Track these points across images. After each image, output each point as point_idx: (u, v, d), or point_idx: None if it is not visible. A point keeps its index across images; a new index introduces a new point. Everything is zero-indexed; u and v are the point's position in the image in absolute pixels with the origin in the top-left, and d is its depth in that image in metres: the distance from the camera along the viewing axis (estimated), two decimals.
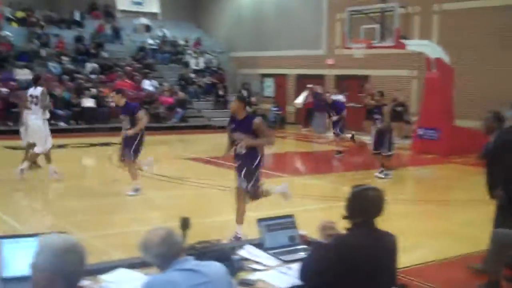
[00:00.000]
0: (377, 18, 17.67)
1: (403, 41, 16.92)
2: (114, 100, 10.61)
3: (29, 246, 2.56)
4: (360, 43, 17.73)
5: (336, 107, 15.92)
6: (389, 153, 12.68)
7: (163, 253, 2.87)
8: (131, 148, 10.02)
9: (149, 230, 2.96)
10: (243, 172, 7.10)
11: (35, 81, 11.59)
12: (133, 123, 9.95)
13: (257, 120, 7.08)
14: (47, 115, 11.47)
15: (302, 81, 23.73)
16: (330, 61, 23.23)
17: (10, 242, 3.29)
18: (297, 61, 24.71)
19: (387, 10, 17.45)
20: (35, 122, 11.07)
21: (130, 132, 9.88)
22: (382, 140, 12.60)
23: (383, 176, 12.47)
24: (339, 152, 16.07)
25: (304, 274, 3.43)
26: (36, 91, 11.14)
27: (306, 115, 23.11)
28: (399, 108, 15.96)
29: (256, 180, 7.14)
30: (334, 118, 15.75)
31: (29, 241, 2.73)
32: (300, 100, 21.35)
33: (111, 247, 6.88)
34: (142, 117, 10.05)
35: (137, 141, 10.06)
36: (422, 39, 18.58)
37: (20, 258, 3.13)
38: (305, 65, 24.30)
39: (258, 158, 7.12)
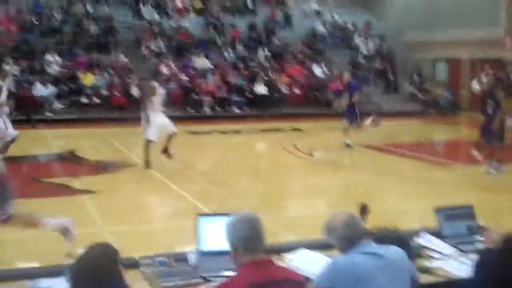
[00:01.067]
0: None
1: None
2: None
3: (223, 223, 2.85)
4: None
5: None
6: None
7: (347, 236, 3.02)
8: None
9: (333, 213, 3.12)
10: None
11: None
12: None
13: None
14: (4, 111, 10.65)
15: (478, 65, 22.52)
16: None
17: (206, 219, 3.66)
18: (472, 44, 23.42)
19: None
20: None
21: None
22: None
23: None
24: None
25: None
26: None
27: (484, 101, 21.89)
28: None
29: None
30: None
31: (223, 218, 3.01)
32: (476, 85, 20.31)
33: (289, 229, 7.19)
34: None
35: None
36: None
37: (215, 234, 3.47)
38: (481, 47, 22.94)
39: None
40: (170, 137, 11.15)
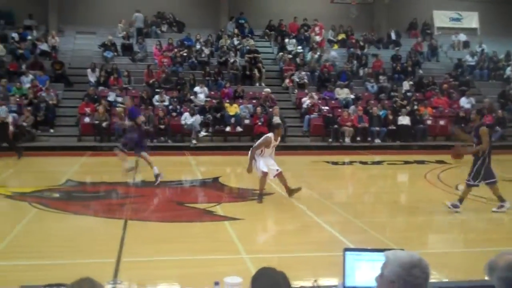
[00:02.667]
0: None
1: None
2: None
3: (371, 259, 2.72)
4: None
5: None
6: None
7: (507, 278, 2.76)
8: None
9: (499, 253, 2.88)
10: None
11: None
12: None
13: None
14: None
15: None
16: None
17: (353, 254, 3.53)
18: None
19: None
20: None
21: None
22: None
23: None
24: None
25: None
26: None
27: None
28: None
29: None
30: None
31: (372, 254, 2.89)
32: None
33: (434, 267, 6.81)
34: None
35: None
36: None
37: (363, 270, 3.33)
38: None
39: None
40: (281, 178, 11.09)
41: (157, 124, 19.69)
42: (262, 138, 11.24)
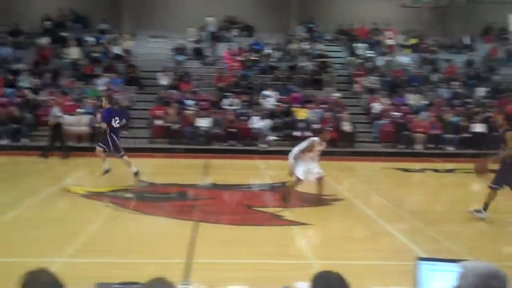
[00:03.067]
0: None
1: None
2: None
3: (446, 269, 2.66)
4: None
5: None
6: None
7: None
8: None
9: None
10: None
11: None
12: None
13: None
14: None
15: None
16: None
17: (427, 264, 3.45)
18: None
19: None
20: None
21: None
22: None
23: None
24: None
25: None
26: None
27: None
28: None
29: None
30: None
31: (447, 265, 2.83)
32: None
33: None
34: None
35: None
36: None
37: (437, 281, 3.26)
38: None
39: None
40: (319, 181, 11.12)
41: (226, 127, 19.90)
42: (307, 141, 11.23)
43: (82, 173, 15.40)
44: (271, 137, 20.07)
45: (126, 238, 8.57)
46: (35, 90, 21.04)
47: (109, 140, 12.97)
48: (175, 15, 26.67)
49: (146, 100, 21.89)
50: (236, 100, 21.44)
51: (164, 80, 22.64)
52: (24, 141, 19.32)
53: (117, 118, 12.98)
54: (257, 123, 20.08)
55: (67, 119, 19.12)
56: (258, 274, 6.82)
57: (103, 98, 13.74)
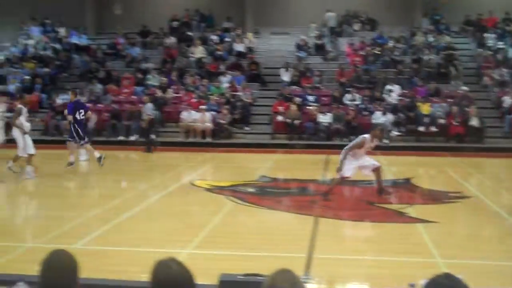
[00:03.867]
0: None
1: None
2: None
3: None
4: None
5: None
6: None
7: None
8: None
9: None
10: None
11: None
12: None
13: None
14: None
15: None
16: None
17: None
18: None
19: None
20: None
21: None
22: None
23: None
24: None
25: None
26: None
27: None
28: None
29: None
30: None
31: None
32: None
33: None
34: None
35: None
36: None
37: None
38: None
39: None
40: (376, 171, 10.98)
41: (347, 123, 19.68)
42: (358, 138, 11.01)
43: (206, 168, 15.87)
44: (394, 133, 19.61)
45: (247, 232, 8.71)
46: (163, 88, 21.96)
47: (73, 130, 14.10)
48: (296, 11, 26.76)
49: (268, 96, 22.16)
50: (357, 95, 21.16)
51: (285, 76, 22.80)
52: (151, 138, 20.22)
53: (82, 110, 14.15)
54: (380, 118, 19.68)
55: (192, 115, 19.84)
56: (377, 271, 6.69)
57: (70, 92, 15.00)
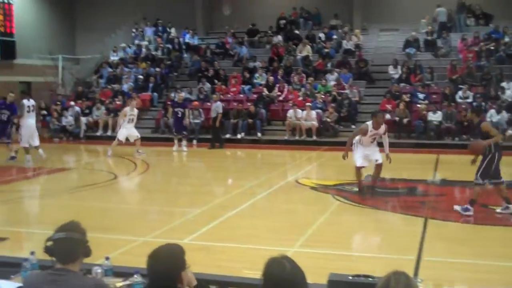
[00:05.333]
0: None
1: None
2: None
3: None
4: None
5: None
6: None
7: None
8: None
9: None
10: None
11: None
12: None
13: None
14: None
15: None
16: None
17: None
18: None
19: None
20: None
21: None
22: None
23: None
24: None
25: None
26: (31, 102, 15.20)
27: None
28: None
29: None
30: None
31: None
32: None
33: None
34: None
35: None
36: None
37: None
38: None
39: None
40: (376, 171, 10.88)
41: (459, 121, 18.97)
42: (361, 126, 10.96)
43: (311, 166, 15.86)
44: (510, 131, 18.67)
45: (353, 231, 8.64)
46: (269, 87, 22.15)
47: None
48: (405, 7, 26.11)
49: (376, 94, 21.79)
50: (470, 93, 20.33)
51: (394, 74, 22.32)
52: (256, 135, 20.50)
53: (4, 112, 15.35)
54: (494, 116, 18.80)
55: (298, 113, 19.89)
56: (487, 276, 6.41)
57: (9, 93, 16.01)
